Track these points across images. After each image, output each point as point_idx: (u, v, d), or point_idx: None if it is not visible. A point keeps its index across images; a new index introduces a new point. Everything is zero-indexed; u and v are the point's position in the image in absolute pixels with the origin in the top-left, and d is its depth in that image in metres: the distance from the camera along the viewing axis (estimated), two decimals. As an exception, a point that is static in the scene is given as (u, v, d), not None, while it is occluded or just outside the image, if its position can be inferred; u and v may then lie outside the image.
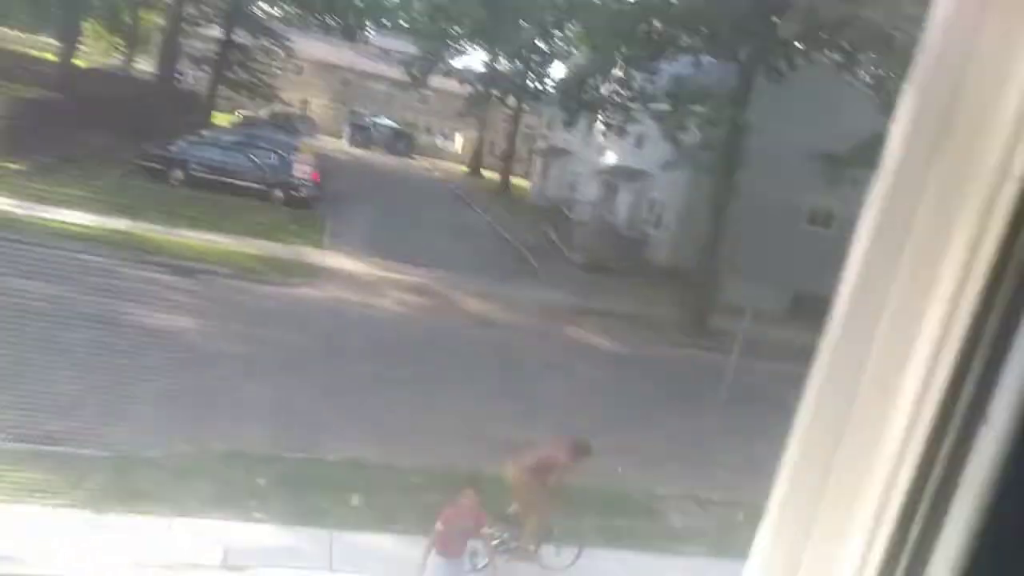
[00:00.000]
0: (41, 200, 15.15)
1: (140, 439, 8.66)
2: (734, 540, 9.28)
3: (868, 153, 15.95)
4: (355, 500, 8.43)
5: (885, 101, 16.32)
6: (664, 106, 18.77)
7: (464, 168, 38.27)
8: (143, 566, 6.48)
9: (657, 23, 19.10)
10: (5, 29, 31.90)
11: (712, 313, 16.69)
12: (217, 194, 19.84)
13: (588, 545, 7.93)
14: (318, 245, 17.65)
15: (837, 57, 18.23)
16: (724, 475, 10.38)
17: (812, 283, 19.10)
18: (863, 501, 1.15)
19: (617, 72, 20.84)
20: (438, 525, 6.66)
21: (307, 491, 8.67)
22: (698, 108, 17.88)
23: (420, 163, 38.92)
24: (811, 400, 1.17)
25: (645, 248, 23.35)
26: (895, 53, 17.02)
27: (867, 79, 19.03)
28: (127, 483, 8.33)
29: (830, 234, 19.36)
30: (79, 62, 27.77)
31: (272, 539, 8.09)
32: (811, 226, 20.75)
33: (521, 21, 31.43)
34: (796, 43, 17.93)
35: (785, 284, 16.93)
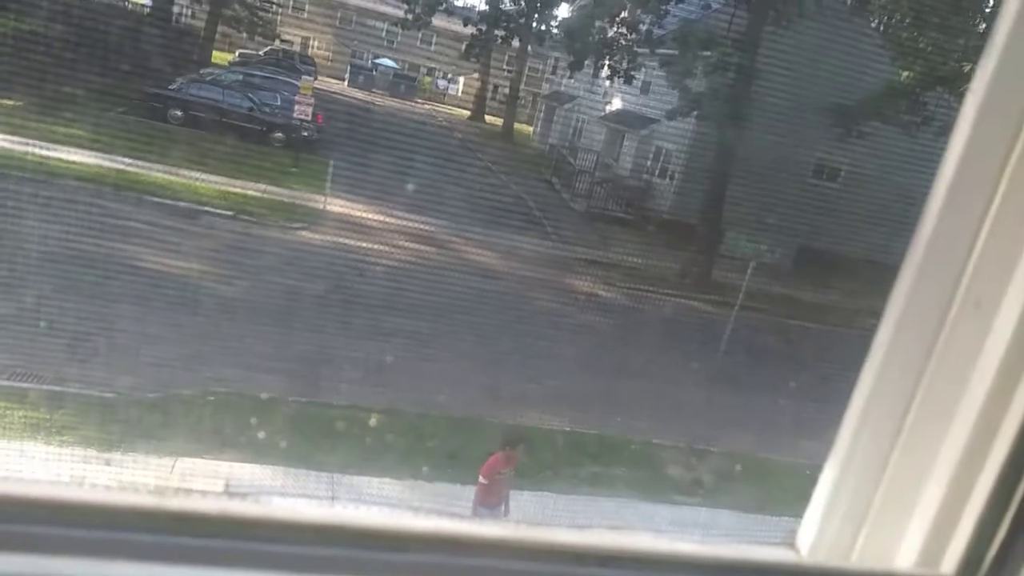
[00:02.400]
0: (40, 138, 14.95)
1: (142, 381, 8.69)
2: (729, 490, 9.44)
3: (876, 105, 15.71)
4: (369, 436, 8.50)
5: (895, 50, 15.96)
6: (671, 51, 18.38)
7: (466, 113, 37.74)
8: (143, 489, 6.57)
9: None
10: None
11: (715, 265, 16.64)
12: (217, 134, 19.59)
13: (587, 492, 8.05)
14: (319, 189, 17.49)
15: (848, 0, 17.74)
16: (720, 426, 10.47)
17: (817, 237, 19.09)
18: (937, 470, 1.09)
19: (624, 15, 20.36)
20: (481, 479, 6.79)
21: (309, 435, 8.75)
22: (706, 54, 17.51)
23: (422, 107, 38.36)
24: (877, 362, 1.11)
25: (649, 198, 23.17)
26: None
27: (878, 25, 18.57)
28: (130, 424, 8.40)
29: (836, 188, 19.16)
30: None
31: (273, 479, 8.19)
32: (817, 179, 20.54)
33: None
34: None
35: (789, 238, 16.81)
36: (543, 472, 8.36)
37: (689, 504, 8.66)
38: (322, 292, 12.06)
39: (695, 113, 18.06)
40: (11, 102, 17.11)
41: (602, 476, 8.78)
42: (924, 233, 1.10)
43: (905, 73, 16.20)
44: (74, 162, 14.38)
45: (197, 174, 15.82)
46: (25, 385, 8.19)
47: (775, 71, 16.52)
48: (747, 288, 13.46)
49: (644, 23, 19.86)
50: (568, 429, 9.58)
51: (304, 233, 14.73)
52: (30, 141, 14.65)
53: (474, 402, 9.63)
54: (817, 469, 1.18)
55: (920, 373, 1.08)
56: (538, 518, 7.71)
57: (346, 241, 14.69)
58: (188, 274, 11.62)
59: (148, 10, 28.00)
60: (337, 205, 16.65)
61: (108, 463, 7.57)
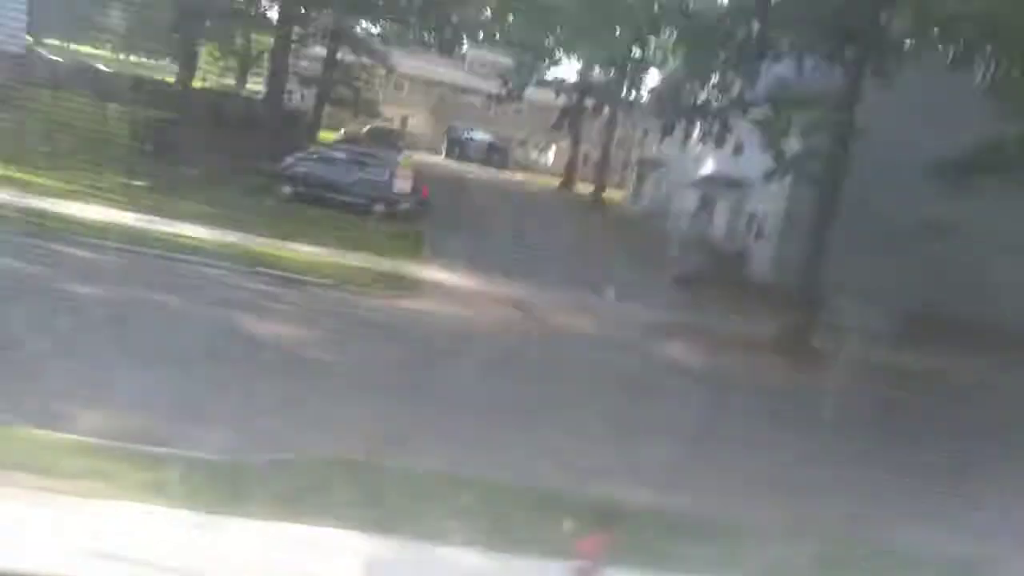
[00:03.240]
0: (162, 214, 16.16)
1: (248, 445, 9.01)
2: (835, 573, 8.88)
3: (987, 159, 15.04)
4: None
5: (1002, 102, 15.33)
6: (765, 111, 18.23)
7: (558, 180, 38.36)
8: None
9: (756, 24, 18.53)
10: (132, 56, 34.24)
11: (815, 333, 15.95)
12: (323, 208, 20.67)
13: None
14: (419, 258, 18.06)
15: (950, 54, 17.21)
16: (824, 505, 9.92)
17: (929, 302, 18.13)
18: None
19: (715, 78, 20.38)
20: (580, 563, 6.62)
21: (406, 502, 8.83)
22: (801, 113, 17.29)
23: (515, 176, 39.26)
24: None
25: (744, 262, 22.75)
26: (1012, 47, 16.01)
27: (983, 78, 17.90)
28: (234, 487, 8.68)
29: (946, 248, 18.20)
30: (197, 84, 29.48)
31: (366, 547, 8.27)
32: (925, 240, 19.51)
33: (616, 27, 31.29)
34: (906, 39, 17.11)
35: (897, 303, 16.01)
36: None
37: None
38: (416, 357, 12.34)
39: (791, 174, 17.77)
40: (139, 182, 18.63)
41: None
42: None
43: (1014, 128, 15.53)
44: (191, 236, 15.43)
45: (304, 246, 16.67)
46: (152, 448, 8.65)
47: (874, 129, 16.16)
48: (850, 357, 12.86)
49: (736, 85, 19.82)
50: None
51: (404, 301, 15.19)
52: (154, 219, 15.88)
53: (577, 478, 9.53)
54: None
55: None
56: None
57: (443, 308, 15.08)
58: (292, 340, 12.15)
59: (262, 96, 30.16)
60: (435, 273, 17.14)
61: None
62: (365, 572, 7.28)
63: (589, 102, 35.96)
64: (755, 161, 19.97)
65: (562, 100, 36.39)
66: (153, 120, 21.75)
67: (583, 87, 36.16)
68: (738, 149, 23.50)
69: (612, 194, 36.05)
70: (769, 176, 18.08)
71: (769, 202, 21.97)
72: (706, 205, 26.38)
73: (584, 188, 36.21)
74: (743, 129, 20.61)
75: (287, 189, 21.24)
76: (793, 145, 17.55)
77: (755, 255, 22.76)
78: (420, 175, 23.93)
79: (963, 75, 16.59)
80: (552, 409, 11.18)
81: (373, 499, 8.67)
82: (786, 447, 11.58)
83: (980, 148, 14.91)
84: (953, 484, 10.64)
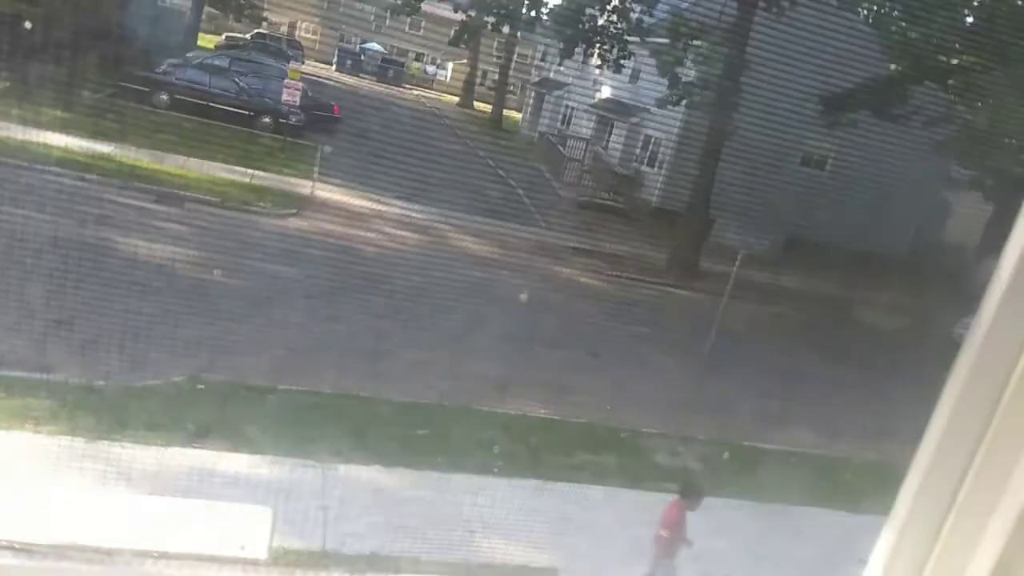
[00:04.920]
0: (23, 122, 14.75)
1: (132, 369, 8.63)
2: (717, 478, 9.51)
3: (866, 95, 15.75)
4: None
5: (884, 43, 16.00)
6: (661, 39, 18.37)
7: (455, 99, 37.52)
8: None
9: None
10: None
11: (703, 254, 16.70)
12: (203, 118, 19.42)
13: (578, 481, 8.09)
14: (307, 175, 17.39)
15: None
16: (708, 415, 10.54)
17: (805, 227, 19.18)
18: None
19: (614, 2, 20.30)
20: (663, 532, 6.62)
21: (299, 422, 8.74)
22: (696, 43, 17.49)
23: (410, 92, 38.12)
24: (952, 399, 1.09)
25: (639, 187, 23.18)
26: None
27: (867, 17, 18.59)
28: (119, 412, 8.34)
29: (824, 176, 19.24)
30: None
31: (263, 470, 8.18)
32: (805, 167, 20.61)
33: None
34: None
35: (778, 227, 16.87)
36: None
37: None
38: (306, 278, 12.02)
39: (684, 102, 18.07)
40: (-5, 84, 16.90)
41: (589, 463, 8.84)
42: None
43: (893, 65, 16.28)
44: (58, 146, 14.22)
45: (183, 159, 15.69)
46: (12, 373, 8.13)
47: (765, 61, 16.54)
48: (736, 277, 13.52)
49: (634, 11, 19.83)
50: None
51: (292, 221, 14.65)
52: (11, 125, 14.49)
53: (465, 390, 9.65)
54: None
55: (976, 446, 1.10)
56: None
57: (334, 228, 14.65)
58: (173, 259, 11.55)
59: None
60: (324, 191, 16.57)
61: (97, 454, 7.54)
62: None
63: (488, 19, 35.05)
64: (651, 88, 20.17)
65: (460, 16, 35.30)
66: (8, 16, 19.62)
67: (482, 3, 35.13)
68: (635, 75, 23.60)
69: (510, 114, 35.68)
70: (662, 102, 18.38)
71: (663, 129, 22.35)
72: (603, 129, 26.54)
73: (482, 107, 35.63)
74: (641, 56, 20.69)
75: (163, 97, 19.74)
76: (687, 74, 17.80)
77: (649, 180, 23.23)
78: (318, 90, 22.85)
79: (851, 13, 17.15)
80: (440, 329, 11.20)
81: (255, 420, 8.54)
82: (670, 361, 12.12)
83: (856, 84, 15.59)
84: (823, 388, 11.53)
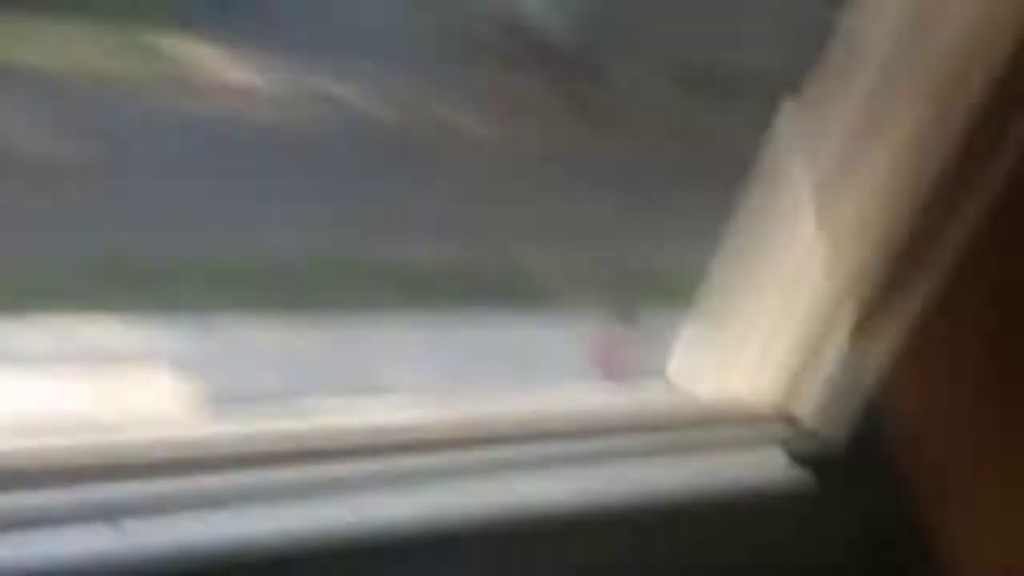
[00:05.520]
0: None
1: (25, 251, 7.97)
2: (608, 297, 9.79)
3: None
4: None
5: None
6: None
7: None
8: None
9: None
10: None
11: (596, 92, 16.39)
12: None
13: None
14: (163, 27, 15.80)
15: None
16: (603, 246, 10.69)
17: (697, 54, 18.95)
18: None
19: None
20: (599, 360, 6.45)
21: (176, 283, 8.36)
22: None
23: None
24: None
25: (520, 25, 22.25)
26: None
27: None
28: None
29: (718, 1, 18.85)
30: None
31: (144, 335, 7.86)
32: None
33: None
34: None
35: (669, 56, 16.62)
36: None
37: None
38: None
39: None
40: None
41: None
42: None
43: None
44: None
45: (8, 26, 13.91)
46: None
47: None
48: (630, 113, 13.39)
49: None
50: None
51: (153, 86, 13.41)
52: None
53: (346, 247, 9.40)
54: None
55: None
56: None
57: (196, 87, 13.50)
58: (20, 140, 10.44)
59: None
60: (183, 46, 15.14)
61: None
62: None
63: None
64: None
65: None
66: None
67: None
68: None
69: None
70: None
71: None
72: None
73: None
74: None
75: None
76: None
77: (531, 15, 22.32)
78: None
79: None
80: (327, 187, 10.81)
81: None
82: (563, 200, 12.16)
83: None
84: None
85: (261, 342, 7.60)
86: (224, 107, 10.39)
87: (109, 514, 0.77)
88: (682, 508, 1.06)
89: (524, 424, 1.02)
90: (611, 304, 7.96)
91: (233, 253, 8.18)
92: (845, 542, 1.10)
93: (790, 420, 1.11)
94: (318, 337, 7.48)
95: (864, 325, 1.07)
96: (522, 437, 1.01)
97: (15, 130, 10.56)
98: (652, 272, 10.25)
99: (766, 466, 1.11)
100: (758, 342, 1.12)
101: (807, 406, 1.08)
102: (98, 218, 8.99)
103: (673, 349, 1.24)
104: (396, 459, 0.92)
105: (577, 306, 8.58)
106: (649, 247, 10.60)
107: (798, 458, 1.13)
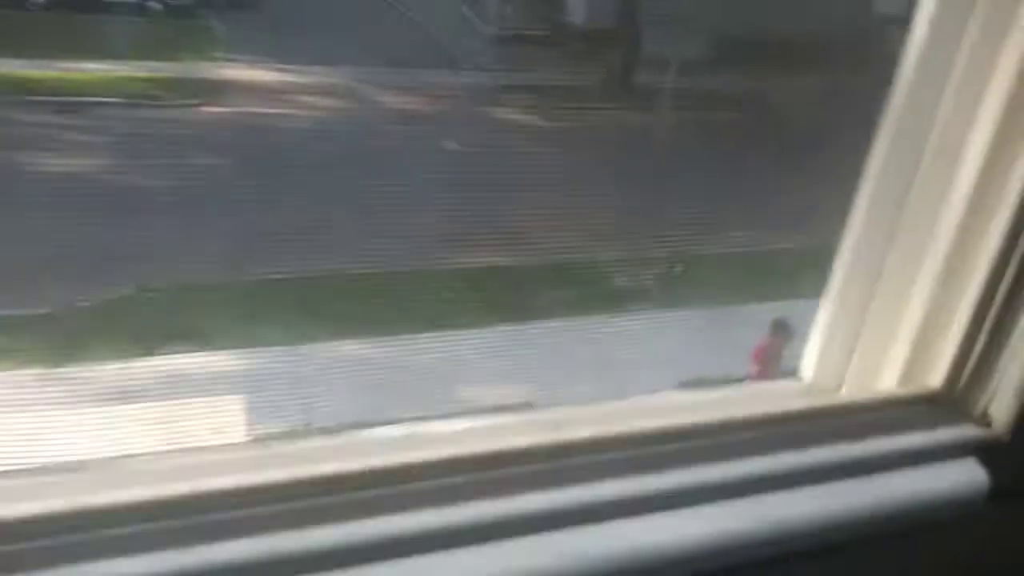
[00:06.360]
0: None
1: (74, 290, 8.40)
2: (677, 292, 9.72)
3: None
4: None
5: None
6: None
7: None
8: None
9: None
10: None
11: (637, 70, 16.24)
12: (91, 13, 17.88)
13: (542, 317, 8.20)
14: (211, 57, 16.30)
15: None
16: (662, 232, 10.62)
17: (734, 25, 18.57)
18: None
19: None
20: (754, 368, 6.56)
21: (257, 311, 8.65)
22: None
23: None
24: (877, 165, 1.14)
25: (561, 10, 22.12)
26: None
27: None
28: (73, 335, 8.16)
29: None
30: None
31: (232, 364, 8.16)
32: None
33: None
34: None
35: (708, 29, 16.33)
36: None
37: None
38: (228, 165, 11.53)
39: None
40: None
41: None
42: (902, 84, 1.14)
43: None
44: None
45: (80, 63, 14.57)
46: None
47: None
48: (673, 88, 13.23)
49: None
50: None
51: (206, 108, 13.87)
52: None
53: (429, 249, 9.56)
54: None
55: (900, 207, 1.14)
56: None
57: (247, 108, 13.91)
58: (89, 172, 10.96)
59: None
60: (233, 72, 15.59)
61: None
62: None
63: None
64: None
65: None
66: None
67: None
68: None
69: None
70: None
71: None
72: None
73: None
74: None
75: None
76: None
77: (571, 1, 22.18)
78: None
79: None
80: (380, 193, 10.99)
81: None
82: (619, 180, 12.10)
83: None
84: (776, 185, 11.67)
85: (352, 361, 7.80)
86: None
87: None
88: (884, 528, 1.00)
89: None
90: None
91: (311, 270, 8.43)
92: None
93: (977, 421, 0.99)
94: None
95: None
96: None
97: (90, 160, 11.03)
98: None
99: (960, 476, 1.01)
100: (911, 330, 1.04)
101: (992, 404, 0.96)
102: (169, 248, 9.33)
103: (812, 346, 1.22)
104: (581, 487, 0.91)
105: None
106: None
107: (989, 465, 1.01)
